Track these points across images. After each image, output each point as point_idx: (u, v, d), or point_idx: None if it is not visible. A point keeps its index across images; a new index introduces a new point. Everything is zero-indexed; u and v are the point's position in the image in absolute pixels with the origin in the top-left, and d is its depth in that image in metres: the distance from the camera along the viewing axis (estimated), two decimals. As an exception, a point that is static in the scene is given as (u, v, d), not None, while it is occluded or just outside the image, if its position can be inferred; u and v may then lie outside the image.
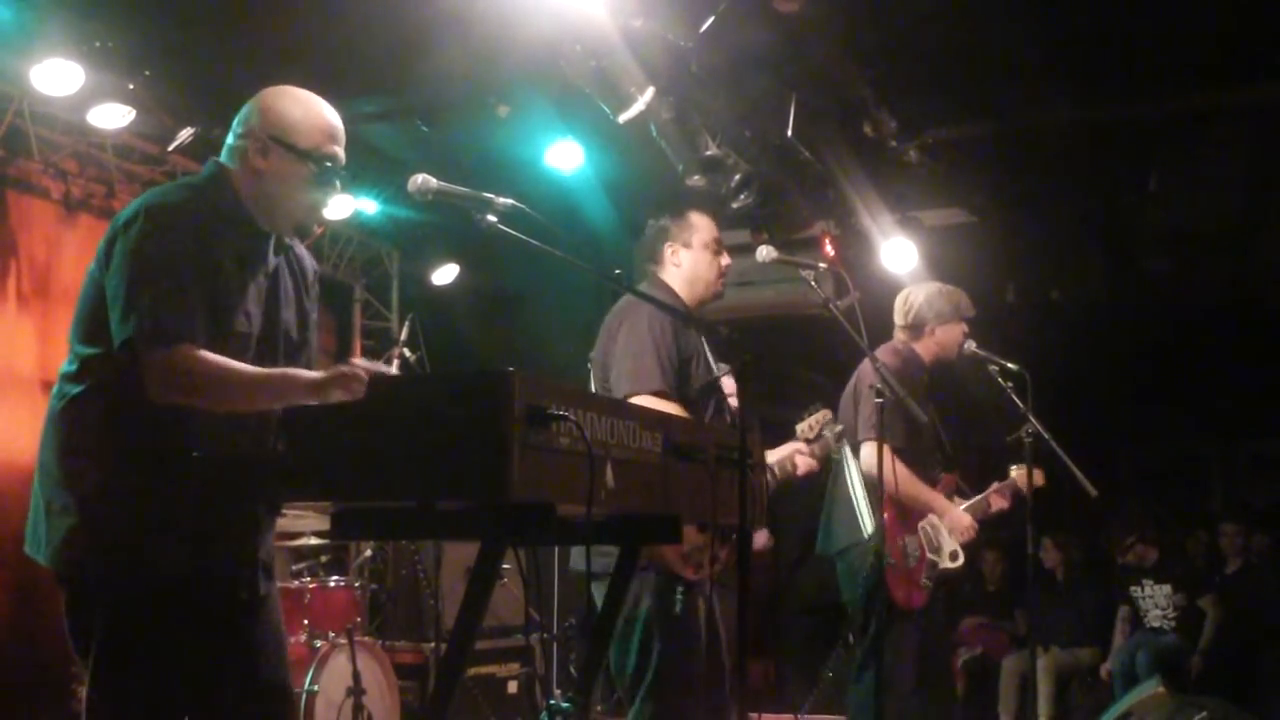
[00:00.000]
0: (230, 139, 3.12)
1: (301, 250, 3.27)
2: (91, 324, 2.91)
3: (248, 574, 3.02)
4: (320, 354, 3.28)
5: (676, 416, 3.58)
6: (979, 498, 5.61)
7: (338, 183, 3.12)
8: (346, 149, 3.19)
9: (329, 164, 3.07)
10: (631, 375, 4.13)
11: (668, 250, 4.48)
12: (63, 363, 3.01)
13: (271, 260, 3.09)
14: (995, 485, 5.66)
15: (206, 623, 2.92)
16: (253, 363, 2.91)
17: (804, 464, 4.55)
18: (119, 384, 2.82)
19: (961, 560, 5.45)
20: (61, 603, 2.96)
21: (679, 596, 4.08)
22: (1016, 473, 5.59)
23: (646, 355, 4.14)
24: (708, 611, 4.18)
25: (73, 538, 2.87)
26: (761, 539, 5.15)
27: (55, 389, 2.99)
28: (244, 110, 3.13)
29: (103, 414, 2.89)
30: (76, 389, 2.92)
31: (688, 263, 4.47)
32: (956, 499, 5.58)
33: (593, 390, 4.28)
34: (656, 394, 4.08)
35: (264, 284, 3.05)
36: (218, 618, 2.95)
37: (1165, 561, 8.60)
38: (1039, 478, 5.59)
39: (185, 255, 2.85)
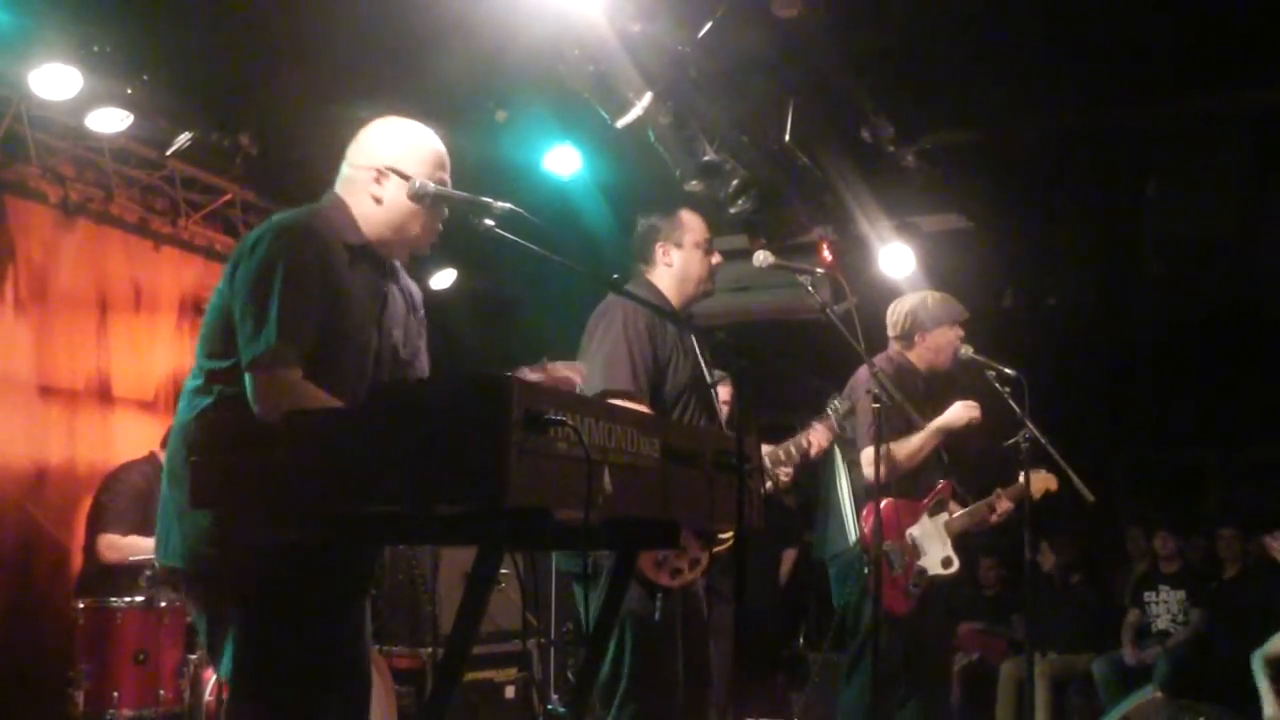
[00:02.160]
0: (345, 169, 3.27)
1: (407, 278, 3.42)
2: (217, 339, 3.05)
3: (364, 559, 3.21)
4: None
5: (675, 421, 3.59)
6: (983, 502, 5.60)
7: (446, 209, 3.25)
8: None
9: (442, 194, 3.20)
10: (603, 373, 4.17)
11: (659, 250, 4.51)
12: (188, 377, 3.15)
13: (383, 285, 3.24)
14: (999, 491, 5.64)
15: (330, 605, 3.08)
16: (373, 372, 3.13)
17: (817, 441, 4.59)
18: (244, 395, 2.96)
19: (955, 567, 5.44)
20: (193, 602, 3.15)
21: (658, 603, 4.08)
22: (1031, 478, 5.58)
23: (619, 355, 4.19)
24: (684, 616, 4.18)
25: (207, 537, 2.97)
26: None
27: (183, 402, 3.13)
28: (357, 141, 3.28)
29: (230, 423, 3.00)
30: (205, 401, 3.05)
31: (679, 262, 4.49)
32: (953, 504, 5.58)
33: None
34: (625, 395, 4.10)
35: (380, 300, 3.21)
36: (339, 600, 3.12)
37: (1184, 569, 8.64)
38: (1051, 482, 5.59)
39: (313, 276, 3.00)
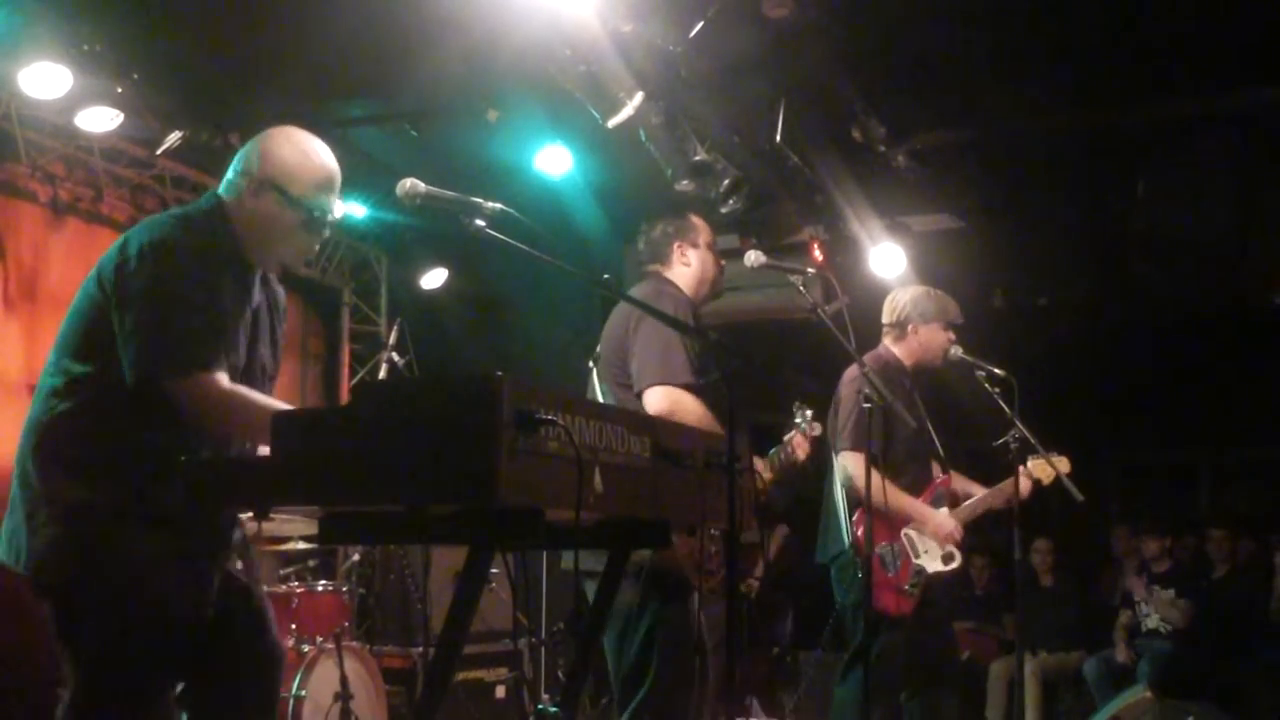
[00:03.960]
0: (230, 174, 3.22)
1: (275, 283, 3.37)
2: (85, 342, 3.01)
3: (220, 560, 3.16)
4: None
5: (666, 420, 3.58)
6: (975, 499, 5.60)
7: (325, 231, 3.22)
8: (337, 155, 3.24)
9: (318, 213, 3.17)
10: (660, 367, 4.11)
11: (676, 250, 4.51)
12: (44, 373, 3.07)
13: (256, 295, 3.21)
14: (1022, 469, 5.60)
15: (191, 613, 3.03)
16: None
17: (802, 448, 4.59)
18: (108, 402, 2.94)
19: (957, 562, 5.44)
20: (45, 611, 3.02)
21: (689, 606, 4.09)
22: (1046, 462, 5.56)
23: (675, 348, 4.12)
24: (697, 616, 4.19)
25: (57, 546, 2.92)
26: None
27: (39, 402, 3.05)
28: (245, 148, 3.23)
29: (90, 430, 2.97)
30: (64, 405, 3.00)
31: (696, 262, 4.52)
32: (959, 491, 5.58)
33: (595, 390, 4.28)
34: (685, 387, 4.07)
35: (249, 318, 3.16)
36: (198, 611, 3.05)
37: (1174, 568, 8.67)
38: (1064, 464, 5.55)
39: (196, 288, 2.98)
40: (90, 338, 3.00)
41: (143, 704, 2.98)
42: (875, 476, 4.91)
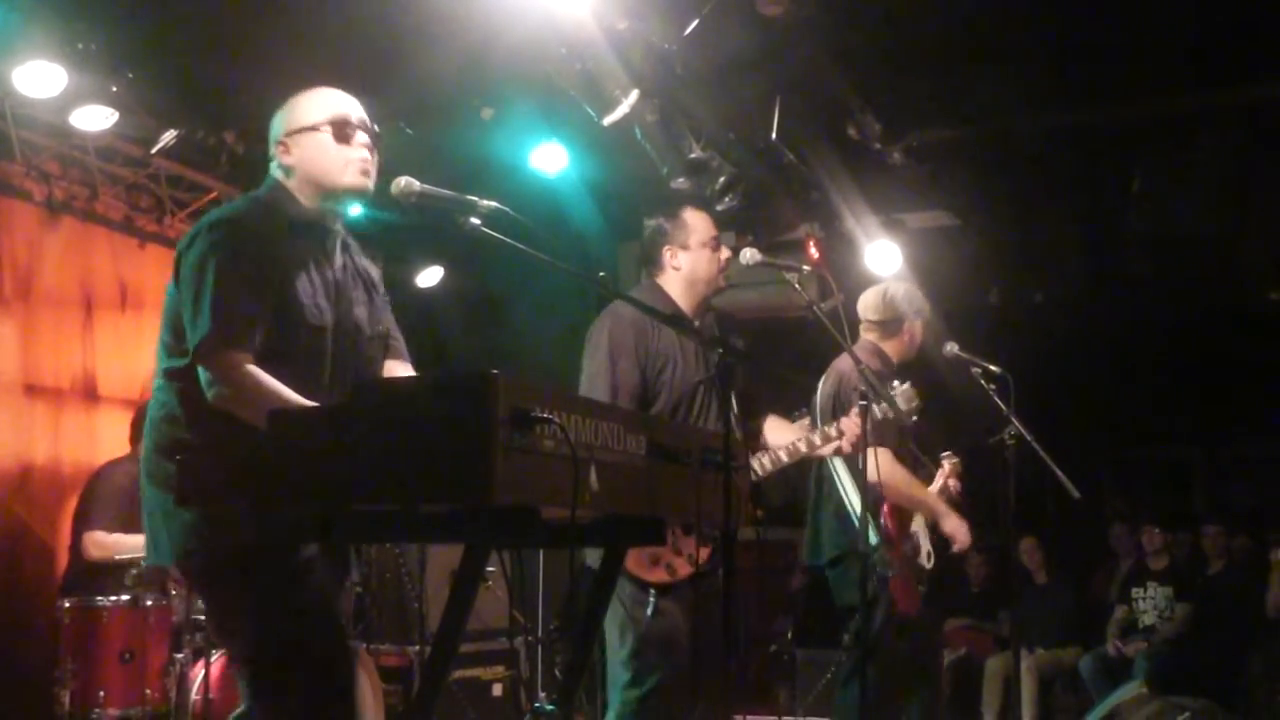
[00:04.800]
0: (270, 159, 3.35)
1: (363, 258, 3.46)
2: (172, 339, 3.12)
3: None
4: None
5: (662, 418, 3.59)
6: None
7: (362, 134, 3.28)
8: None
9: (338, 120, 3.26)
10: (585, 390, 4.22)
11: (666, 253, 4.48)
12: (154, 378, 3.22)
13: (338, 258, 3.30)
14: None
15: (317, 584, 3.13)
16: (333, 353, 3.17)
17: (830, 446, 4.52)
18: (198, 388, 3.01)
19: (933, 560, 5.46)
20: (195, 598, 3.34)
21: (651, 600, 4.08)
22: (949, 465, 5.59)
23: (600, 373, 4.22)
24: (690, 611, 4.18)
25: (193, 531, 3.01)
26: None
27: (153, 403, 3.19)
28: (269, 133, 3.36)
29: (187, 417, 3.06)
30: (170, 399, 3.11)
31: (687, 264, 4.47)
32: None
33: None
34: None
35: (332, 280, 3.24)
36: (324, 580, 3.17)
37: (1172, 565, 8.68)
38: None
39: (248, 262, 3.05)
40: (174, 332, 3.10)
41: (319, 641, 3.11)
42: (902, 472, 4.91)
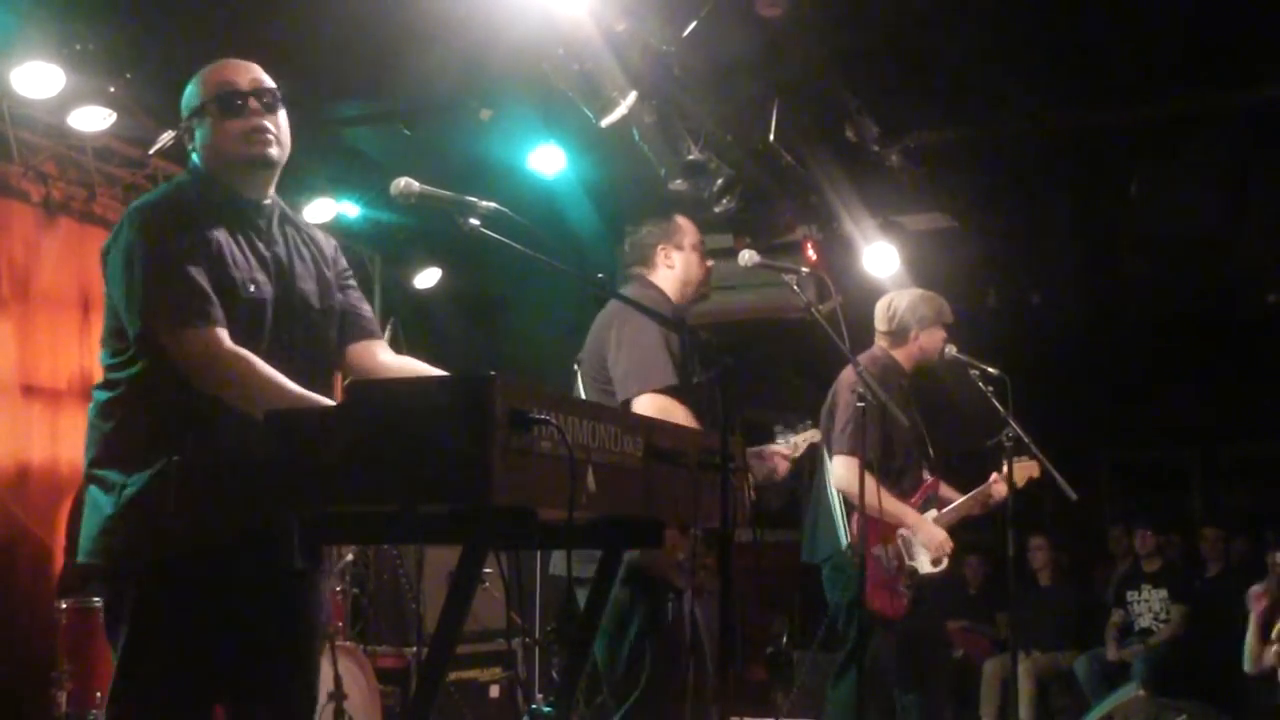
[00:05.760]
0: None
1: (315, 230, 3.35)
2: (112, 337, 3.05)
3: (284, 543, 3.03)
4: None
5: (658, 420, 3.58)
6: (954, 505, 5.60)
7: (244, 102, 3.13)
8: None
9: (223, 96, 3.13)
10: (642, 372, 4.12)
11: (660, 253, 4.50)
12: (94, 387, 3.14)
13: (275, 234, 3.17)
14: (996, 475, 5.62)
15: (245, 594, 2.96)
16: (272, 328, 3.03)
17: (784, 469, 4.58)
18: (140, 381, 2.96)
19: (945, 565, 5.45)
20: (102, 600, 3.10)
21: (669, 605, 4.09)
22: (996, 477, 5.58)
23: (658, 352, 4.13)
24: (690, 616, 4.19)
25: (108, 526, 2.95)
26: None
27: (92, 408, 3.11)
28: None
29: (127, 410, 3.00)
30: (104, 395, 3.06)
31: (680, 264, 4.50)
32: (942, 498, 5.58)
33: (580, 392, 4.28)
34: (668, 391, 4.07)
35: (268, 254, 3.12)
36: (257, 588, 2.98)
37: (1166, 568, 8.68)
38: (1034, 469, 5.57)
39: (177, 242, 2.95)
40: (113, 330, 3.03)
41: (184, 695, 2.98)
42: (870, 481, 4.91)
